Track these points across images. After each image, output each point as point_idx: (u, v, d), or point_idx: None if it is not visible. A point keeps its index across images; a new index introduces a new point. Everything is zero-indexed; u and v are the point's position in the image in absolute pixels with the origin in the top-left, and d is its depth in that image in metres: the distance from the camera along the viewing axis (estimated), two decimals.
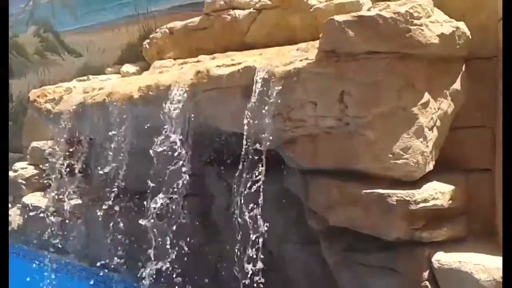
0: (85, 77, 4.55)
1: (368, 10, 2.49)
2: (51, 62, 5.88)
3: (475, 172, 2.56)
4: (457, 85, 2.40)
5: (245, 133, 2.38)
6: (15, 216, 4.95)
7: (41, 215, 4.33)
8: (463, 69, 2.45)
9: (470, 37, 2.41)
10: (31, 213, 4.61)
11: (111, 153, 3.23)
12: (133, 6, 4.81)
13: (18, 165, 5.18)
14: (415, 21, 2.11)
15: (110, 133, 3.02)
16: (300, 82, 2.27)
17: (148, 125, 2.83)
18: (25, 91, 6.34)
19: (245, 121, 2.31)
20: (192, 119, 2.60)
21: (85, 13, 5.35)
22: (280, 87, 2.27)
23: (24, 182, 5.00)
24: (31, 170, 5.06)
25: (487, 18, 2.51)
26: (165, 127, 2.61)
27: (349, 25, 2.10)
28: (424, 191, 2.24)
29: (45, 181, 4.69)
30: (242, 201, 2.56)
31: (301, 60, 2.27)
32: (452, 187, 2.35)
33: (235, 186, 2.62)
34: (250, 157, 2.45)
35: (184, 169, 2.82)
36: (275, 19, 3.20)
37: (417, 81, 2.22)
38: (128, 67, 4.36)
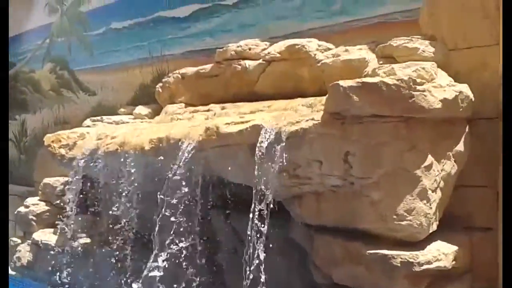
0: (98, 117, 4.68)
1: (373, 71, 2.57)
2: (66, 99, 6.04)
3: (479, 230, 2.59)
4: (460, 147, 2.44)
5: (254, 188, 2.43)
6: (25, 252, 5.00)
7: (51, 252, 4.40)
8: (467, 130, 2.50)
9: (473, 99, 2.47)
10: (41, 250, 4.66)
11: (121, 198, 3.32)
12: (148, 49, 4.97)
13: (29, 200, 5.25)
14: (418, 87, 2.18)
15: (121, 180, 3.11)
16: (306, 142, 2.33)
17: (158, 173, 2.91)
18: (39, 126, 6.52)
19: (256, 177, 2.36)
20: (200, 171, 2.67)
21: (100, 53, 5.53)
22: (287, 146, 2.33)
23: (35, 218, 5.04)
24: (42, 207, 5.11)
25: (490, 79, 2.57)
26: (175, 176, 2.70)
27: (353, 90, 2.17)
28: (428, 252, 2.27)
29: (56, 219, 4.79)
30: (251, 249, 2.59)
31: (307, 121, 2.33)
32: (456, 248, 2.37)
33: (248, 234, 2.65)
34: (258, 208, 2.51)
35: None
36: (284, 71, 3.28)
37: (421, 143, 2.27)
38: (141, 109, 4.47)
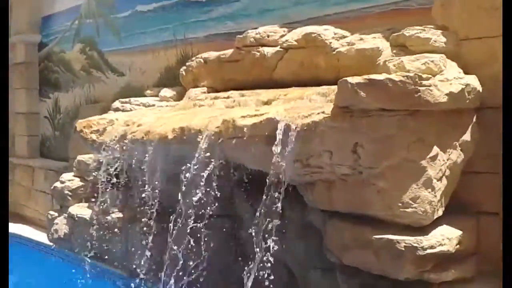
0: (127, 99, 4.89)
1: (384, 63, 2.66)
2: (95, 79, 6.27)
3: (485, 215, 2.70)
4: (467, 136, 2.54)
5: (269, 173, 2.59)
6: (61, 225, 5.30)
7: (86, 225, 4.69)
8: (474, 120, 2.59)
9: (481, 90, 2.55)
10: (76, 223, 4.96)
11: (147, 179, 3.54)
12: (172, 32, 5.11)
13: (65, 176, 5.53)
14: (424, 82, 2.27)
15: (146, 163, 3.32)
16: (317, 134, 2.47)
17: (181, 158, 3.11)
18: (72, 104, 6.80)
19: (272, 164, 2.53)
20: (219, 157, 2.85)
21: (127, 35, 5.70)
22: (299, 138, 2.48)
23: (70, 193, 5.32)
24: (77, 182, 5.37)
25: (499, 69, 2.61)
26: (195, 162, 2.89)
27: (361, 87, 2.28)
28: (432, 237, 2.40)
29: (90, 194, 5.07)
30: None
31: (318, 114, 2.46)
32: (460, 232, 2.50)
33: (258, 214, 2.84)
34: (273, 192, 2.68)
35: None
36: (301, 58, 3.39)
37: (427, 135, 2.38)
38: (166, 92, 4.66)
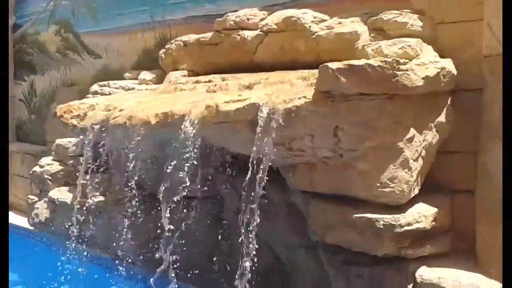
0: (105, 82, 4.86)
1: (363, 47, 2.73)
2: (72, 61, 6.19)
3: (459, 193, 2.83)
4: (442, 118, 2.65)
5: (252, 156, 2.65)
6: (42, 209, 5.29)
7: (67, 209, 4.69)
8: (449, 102, 2.69)
9: (456, 73, 2.65)
10: (57, 207, 4.96)
11: (130, 163, 3.56)
12: (149, 14, 5.07)
13: (44, 160, 5.49)
14: (401, 67, 2.35)
15: (130, 146, 3.34)
16: (299, 118, 2.53)
17: (164, 142, 3.15)
18: (48, 87, 6.71)
19: (253, 148, 2.59)
20: (202, 141, 2.90)
21: (104, 16, 5.62)
22: (282, 122, 2.54)
23: (50, 177, 5.30)
24: (56, 166, 5.34)
25: (475, 53, 2.72)
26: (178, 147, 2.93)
27: (341, 72, 2.35)
28: (409, 215, 2.52)
29: (70, 177, 5.06)
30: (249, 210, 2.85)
31: (299, 98, 2.53)
32: (435, 210, 2.62)
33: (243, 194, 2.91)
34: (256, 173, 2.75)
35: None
36: (281, 42, 3.43)
37: (404, 118, 2.47)
38: (145, 75, 4.65)
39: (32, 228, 5.37)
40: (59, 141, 5.47)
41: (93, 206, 4.49)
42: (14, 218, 6.21)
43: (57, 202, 4.93)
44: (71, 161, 5.18)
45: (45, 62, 6.66)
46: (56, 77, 6.47)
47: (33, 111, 7.07)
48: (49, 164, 5.43)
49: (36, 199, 5.41)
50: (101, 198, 4.56)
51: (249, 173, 2.74)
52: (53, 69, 6.53)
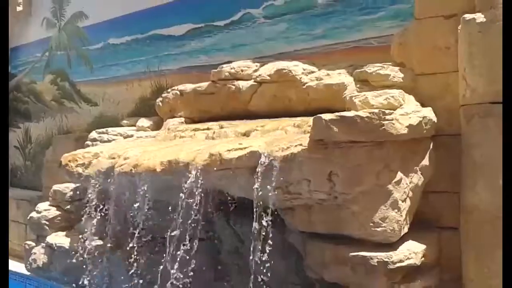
0: (103, 129, 5.05)
1: (350, 99, 3.00)
2: (68, 109, 6.40)
3: (446, 229, 3.06)
4: (425, 161, 2.90)
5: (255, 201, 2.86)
6: (39, 254, 5.35)
7: (65, 254, 4.78)
8: (431, 146, 2.95)
9: (436, 121, 2.92)
10: (55, 252, 5.04)
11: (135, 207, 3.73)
12: (145, 64, 5.34)
13: (41, 206, 5.56)
14: (387, 117, 2.60)
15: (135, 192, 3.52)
16: (296, 164, 2.76)
17: (168, 188, 3.34)
18: (43, 134, 6.88)
19: (254, 194, 2.80)
20: (205, 187, 3.10)
21: (100, 66, 5.88)
22: (280, 168, 2.76)
23: (47, 222, 5.37)
24: (53, 212, 5.39)
25: (452, 102, 3.00)
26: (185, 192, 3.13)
27: (333, 122, 2.60)
28: (400, 252, 2.72)
29: (67, 223, 5.16)
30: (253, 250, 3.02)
31: (296, 146, 2.76)
32: (424, 246, 2.83)
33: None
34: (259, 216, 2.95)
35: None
36: (274, 91, 3.70)
37: (392, 162, 2.71)
38: (143, 122, 4.85)
39: (29, 273, 5.41)
40: (56, 186, 5.56)
41: (92, 251, 4.60)
42: (10, 264, 6.25)
43: (55, 247, 5.01)
44: (68, 206, 5.28)
45: (41, 110, 6.86)
46: (52, 124, 6.66)
47: (27, 157, 7.21)
48: (46, 210, 5.48)
49: (34, 244, 5.46)
50: (100, 242, 4.67)
51: (254, 216, 2.94)
52: (49, 116, 6.73)
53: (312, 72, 3.58)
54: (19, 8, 6.96)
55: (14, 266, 5.98)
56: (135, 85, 5.47)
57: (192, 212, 3.17)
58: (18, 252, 6.11)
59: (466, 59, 2.77)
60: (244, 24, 4.43)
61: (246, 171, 2.88)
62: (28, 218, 5.50)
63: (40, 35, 6.79)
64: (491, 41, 2.62)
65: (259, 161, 2.78)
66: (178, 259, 3.34)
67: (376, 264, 2.68)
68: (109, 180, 3.57)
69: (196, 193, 3.09)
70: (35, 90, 6.95)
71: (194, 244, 3.74)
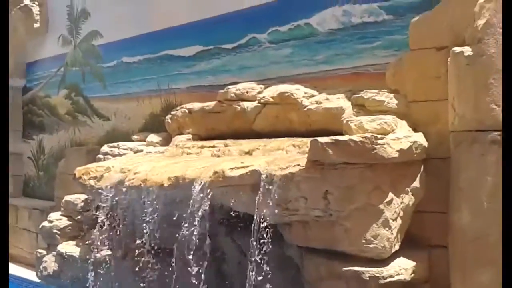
0: (115, 144, 5.29)
1: (347, 123, 3.21)
2: (81, 123, 6.66)
3: (435, 248, 3.23)
4: (416, 183, 3.09)
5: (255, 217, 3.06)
6: (50, 263, 5.57)
7: (75, 262, 4.98)
8: (421, 169, 3.15)
9: (427, 145, 3.11)
10: (65, 260, 5.25)
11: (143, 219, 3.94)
12: (156, 82, 5.59)
13: (53, 216, 5.79)
14: (379, 141, 2.80)
15: (143, 205, 3.73)
16: (294, 183, 2.96)
17: (173, 202, 3.56)
18: (56, 146, 7.14)
19: (256, 210, 3.01)
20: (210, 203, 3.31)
21: (113, 83, 6.15)
22: (279, 186, 2.97)
23: (59, 232, 5.60)
24: (64, 221, 5.63)
25: (442, 127, 3.18)
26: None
27: (329, 145, 2.81)
28: (391, 268, 2.91)
29: (78, 232, 5.38)
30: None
31: (294, 166, 2.97)
32: (414, 263, 3.01)
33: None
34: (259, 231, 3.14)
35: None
36: (276, 113, 3.93)
37: (383, 183, 2.91)
38: (152, 137, 5.09)
39: (39, 280, 5.63)
40: (68, 197, 5.79)
41: (101, 260, 4.80)
42: (20, 271, 6.48)
43: (66, 256, 5.22)
44: (79, 217, 5.50)
45: (55, 122, 7.13)
46: (65, 137, 6.92)
47: (40, 168, 7.46)
48: (58, 219, 5.71)
49: (45, 252, 5.68)
50: (109, 252, 4.87)
51: (253, 231, 3.14)
52: (62, 129, 6.99)
53: (313, 95, 3.80)
54: (36, 25, 7.26)
55: (25, 273, 6.21)
56: (145, 102, 5.71)
57: (197, 225, 3.38)
58: (29, 260, 6.33)
59: (455, 88, 2.97)
60: (250, 47, 4.67)
61: (247, 188, 3.09)
62: (40, 227, 5.74)
63: (56, 52, 7.08)
64: (477, 73, 2.82)
65: (260, 179, 2.99)
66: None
67: (368, 278, 2.86)
68: (119, 193, 3.79)
69: (201, 208, 3.31)
70: (50, 103, 7.22)
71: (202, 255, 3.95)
